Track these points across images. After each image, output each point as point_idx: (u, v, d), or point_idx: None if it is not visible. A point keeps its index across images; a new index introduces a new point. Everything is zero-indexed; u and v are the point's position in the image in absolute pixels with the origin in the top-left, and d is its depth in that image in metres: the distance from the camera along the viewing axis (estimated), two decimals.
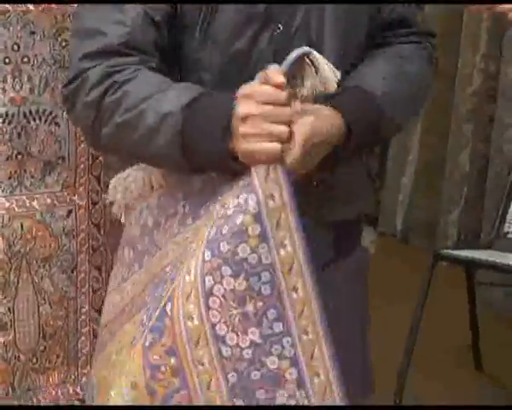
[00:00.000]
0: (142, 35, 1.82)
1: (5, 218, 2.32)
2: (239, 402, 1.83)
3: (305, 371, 1.82)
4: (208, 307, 1.75)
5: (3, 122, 2.29)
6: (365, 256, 2.23)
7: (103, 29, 1.81)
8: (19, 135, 2.31)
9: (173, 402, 1.82)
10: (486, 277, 4.09)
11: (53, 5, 2.32)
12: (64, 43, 2.31)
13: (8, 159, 2.30)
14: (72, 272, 2.43)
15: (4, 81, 2.27)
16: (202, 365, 1.82)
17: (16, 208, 2.33)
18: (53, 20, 2.30)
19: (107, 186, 2.16)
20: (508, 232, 4.01)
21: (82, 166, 2.41)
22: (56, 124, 2.34)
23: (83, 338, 2.48)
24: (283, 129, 1.64)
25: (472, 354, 3.90)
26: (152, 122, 1.72)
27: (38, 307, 2.37)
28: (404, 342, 3.56)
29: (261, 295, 1.74)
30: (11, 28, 2.26)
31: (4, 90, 2.28)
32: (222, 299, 1.74)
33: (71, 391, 2.50)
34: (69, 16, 2.32)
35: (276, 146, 1.64)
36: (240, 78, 1.80)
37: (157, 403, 1.80)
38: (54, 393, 2.45)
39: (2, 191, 2.31)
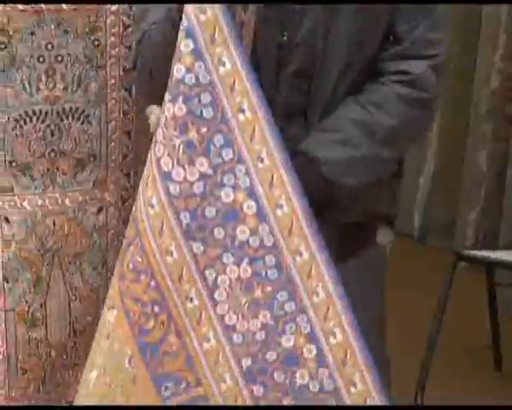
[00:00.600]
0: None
1: (38, 215, 2.33)
2: (256, 388, 1.82)
3: (324, 348, 1.81)
4: None
5: (37, 120, 2.31)
6: (380, 256, 2.22)
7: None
8: (52, 133, 2.32)
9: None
10: (506, 277, 4.10)
11: (86, 5, 2.32)
12: (96, 42, 2.33)
13: (41, 157, 2.32)
14: (102, 268, 2.43)
15: (38, 80, 2.29)
16: (208, 341, 1.83)
17: (49, 206, 2.35)
18: (86, 20, 2.31)
19: (137, 184, 2.22)
20: None
21: (113, 164, 2.41)
22: (89, 122, 2.35)
23: None
24: None
25: (492, 354, 3.94)
26: None
27: (69, 303, 2.39)
28: (425, 341, 3.61)
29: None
30: (45, 27, 2.27)
31: (38, 88, 2.30)
32: None
33: None
34: (101, 16, 2.35)
35: None
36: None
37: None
38: None
39: (36, 189, 2.33)
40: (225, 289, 1.80)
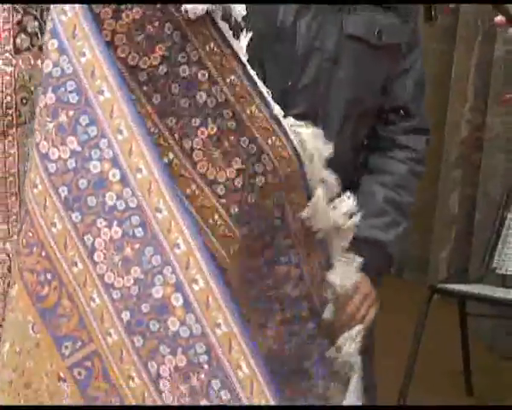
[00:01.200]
0: None
1: None
2: (136, 339, 1.81)
3: (190, 296, 1.81)
4: None
5: None
6: None
7: None
8: None
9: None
10: (476, 308, 4.16)
11: None
12: None
13: None
14: None
15: None
16: (94, 301, 1.84)
17: None
18: None
19: None
20: (495, 268, 4.13)
21: None
22: None
23: None
24: None
25: (464, 379, 3.97)
26: None
27: None
28: (404, 367, 3.65)
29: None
30: None
31: None
32: None
33: None
34: None
35: None
36: None
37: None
38: None
39: None
40: (102, 251, 1.83)
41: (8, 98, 2.20)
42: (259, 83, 1.88)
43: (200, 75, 1.88)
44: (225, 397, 1.80)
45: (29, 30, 2.18)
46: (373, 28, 2.05)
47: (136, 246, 1.83)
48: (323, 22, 2.04)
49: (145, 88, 1.88)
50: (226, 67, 1.89)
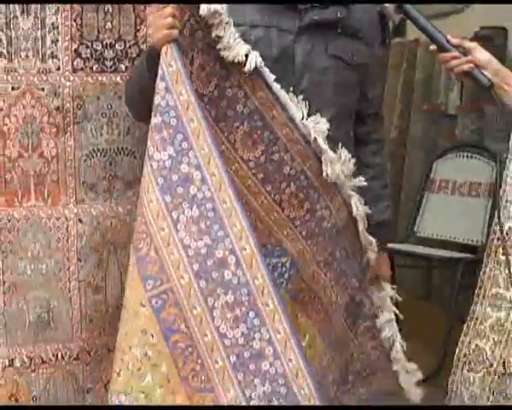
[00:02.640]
0: None
1: (100, 218, 2.40)
2: (201, 282, 1.97)
3: (240, 257, 2.01)
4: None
5: (100, 155, 2.39)
6: None
7: None
8: (110, 164, 2.40)
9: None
10: (402, 261, 4.22)
11: None
12: None
13: (103, 179, 2.40)
14: None
15: (101, 128, 2.38)
16: (207, 336, 1.97)
17: (108, 212, 2.41)
18: None
19: None
20: (416, 232, 4.31)
21: None
22: (134, 157, 2.42)
23: None
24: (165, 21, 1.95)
25: None
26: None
27: (121, 276, 2.43)
28: None
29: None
30: (106, 94, 2.37)
31: (101, 134, 2.38)
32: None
33: None
34: None
35: (163, 31, 1.94)
36: None
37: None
38: None
39: (100, 200, 2.40)
40: (183, 223, 1.96)
41: (68, 104, 2.35)
42: (280, 93, 2.05)
43: (238, 94, 2.10)
44: (256, 323, 2.01)
45: (83, 55, 2.35)
46: (348, 51, 2.12)
47: (208, 222, 2.00)
48: (313, 46, 2.07)
49: (207, 107, 2.09)
50: (256, 87, 2.09)
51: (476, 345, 2.73)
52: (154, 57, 2.00)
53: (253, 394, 1.98)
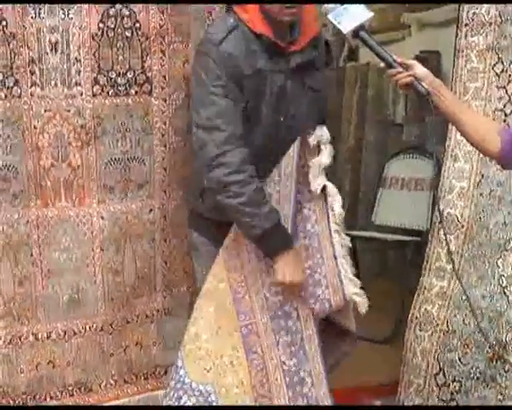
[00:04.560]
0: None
1: (118, 214, 2.44)
2: (290, 393, 2.08)
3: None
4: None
5: (116, 163, 2.42)
6: None
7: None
8: (125, 170, 2.43)
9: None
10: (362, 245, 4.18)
11: (142, 99, 2.37)
12: (148, 121, 2.41)
13: (119, 182, 2.43)
14: (153, 242, 2.51)
15: (116, 141, 2.40)
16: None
17: (124, 209, 2.45)
18: (142, 109, 2.42)
19: (171, 196, 2.44)
20: (373, 221, 4.27)
21: (157, 185, 2.49)
22: (144, 164, 2.45)
23: (157, 278, 2.52)
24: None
25: None
26: (247, 224, 1.98)
27: (135, 261, 2.48)
28: None
29: None
30: (121, 113, 2.39)
31: (116, 146, 2.40)
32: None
33: (150, 305, 2.54)
34: (150, 107, 2.40)
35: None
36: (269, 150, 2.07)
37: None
38: (143, 307, 2.51)
39: (117, 199, 2.43)
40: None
41: (90, 123, 2.38)
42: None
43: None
44: (303, 360, 2.12)
45: (100, 83, 2.38)
46: (316, 81, 2.17)
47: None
48: (297, 82, 2.11)
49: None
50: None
51: (425, 309, 2.82)
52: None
53: (278, 338, 2.12)
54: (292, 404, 2.07)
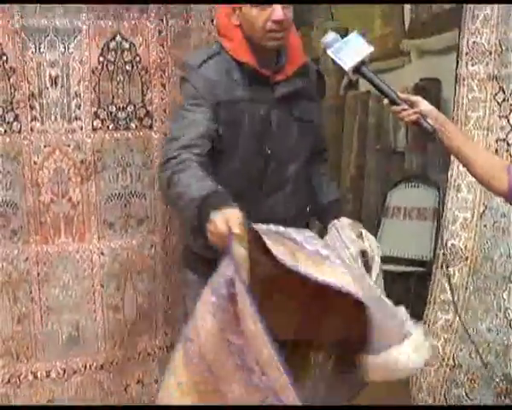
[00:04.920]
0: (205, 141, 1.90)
1: (118, 250, 2.43)
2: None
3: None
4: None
5: (118, 198, 2.41)
6: None
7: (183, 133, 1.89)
8: (125, 205, 2.42)
9: None
10: None
11: (143, 133, 2.36)
12: (148, 154, 2.41)
13: (120, 218, 2.42)
14: (154, 279, 2.50)
15: (117, 175, 2.41)
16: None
17: (124, 245, 2.44)
18: (142, 144, 2.42)
19: (171, 229, 2.40)
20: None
21: (157, 221, 2.48)
22: (144, 199, 2.44)
23: (159, 315, 2.52)
24: None
25: None
26: (186, 200, 1.79)
27: (136, 298, 2.47)
28: None
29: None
30: (125, 148, 2.39)
31: (117, 180, 2.41)
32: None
33: (152, 342, 2.52)
34: (150, 142, 2.40)
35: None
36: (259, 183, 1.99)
37: None
38: (144, 344, 2.49)
39: (118, 235, 2.42)
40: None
41: (90, 157, 2.38)
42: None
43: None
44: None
45: (101, 117, 2.38)
46: (305, 112, 2.11)
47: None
48: (283, 112, 2.05)
49: None
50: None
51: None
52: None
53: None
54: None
